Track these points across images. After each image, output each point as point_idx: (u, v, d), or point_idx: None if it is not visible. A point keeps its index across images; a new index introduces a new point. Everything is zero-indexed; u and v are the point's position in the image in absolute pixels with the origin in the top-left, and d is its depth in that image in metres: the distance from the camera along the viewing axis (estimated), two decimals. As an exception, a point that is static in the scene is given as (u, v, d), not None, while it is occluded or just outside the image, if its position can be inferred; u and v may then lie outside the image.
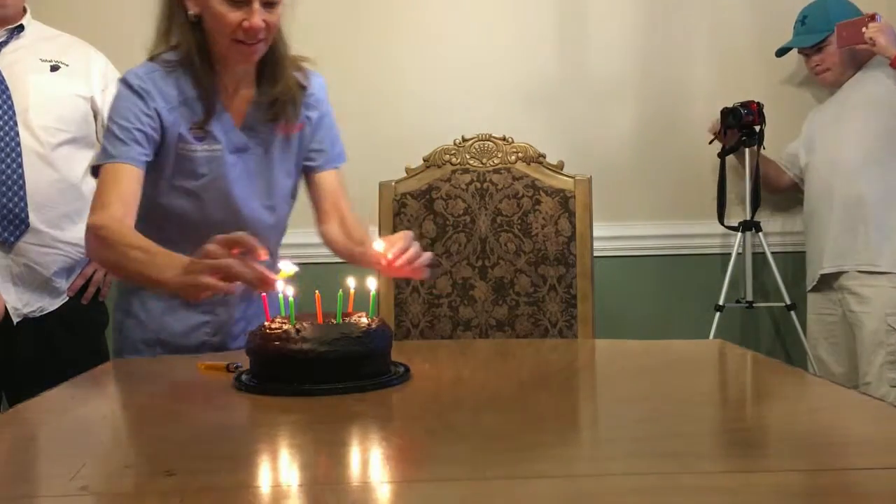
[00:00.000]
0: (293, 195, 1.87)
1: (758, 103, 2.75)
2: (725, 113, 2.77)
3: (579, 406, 1.42)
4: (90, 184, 1.89)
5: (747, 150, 2.78)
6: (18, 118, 2.10)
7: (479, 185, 2.20)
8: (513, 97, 2.93)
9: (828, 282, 2.69)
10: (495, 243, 2.18)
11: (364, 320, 1.36)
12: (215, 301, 1.74)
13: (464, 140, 2.23)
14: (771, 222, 2.93)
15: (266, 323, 1.36)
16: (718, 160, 2.85)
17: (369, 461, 1.05)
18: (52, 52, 2.21)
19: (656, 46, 2.96)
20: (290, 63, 1.75)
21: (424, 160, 2.24)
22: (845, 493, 0.92)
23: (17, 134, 2.10)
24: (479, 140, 2.22)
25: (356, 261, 1.75)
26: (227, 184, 1.72)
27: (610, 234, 2.79)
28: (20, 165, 2.09)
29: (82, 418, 1.25)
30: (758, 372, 1.61)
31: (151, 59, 1.71)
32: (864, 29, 2.53)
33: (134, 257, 1.50)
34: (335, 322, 1.34)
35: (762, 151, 2.78)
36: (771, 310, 2.97)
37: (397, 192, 2.21)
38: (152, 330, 1.77)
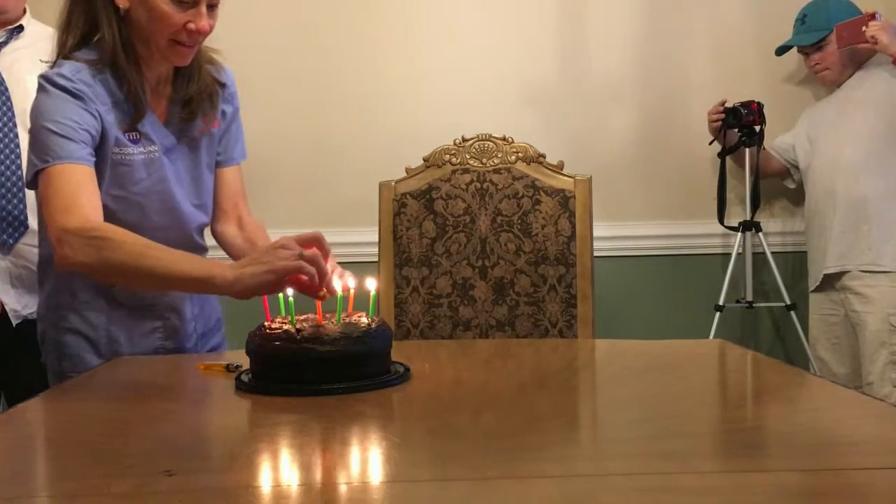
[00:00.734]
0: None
1: (758, 103, 2.75)
2: (725, 112, 2.77)
3: (579, 406, 1.42)
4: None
5: (747, 150, 2.78)
6: (18, 119, 2.10)
7: (479, 185, 2.20)
8: (513, 97, 2.93)
9: (830, 282, 2.69)
10: (495, 243, 2.18)
11: (364, 320, 1.36)
12: (164, 306, 1.70)
13: (464, 140, 2.23)
14: (771, 222, 2.93)
15: (266, 323, 1.36)
16: (718, 160, 2.85)
17: (369, 461, 1.04)
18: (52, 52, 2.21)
19: (656, 46, 2.96)
20: (204, 57, 1.68)
21: (424, 160, 2.24)
22: (846, 493, 0.91)
23: (16, 135, 2.10)
24: (479, 140, 2.22)
25: None
26: (167, 186, 1.65)
27: (610, 234, 2.79)
28: (19, 167, 2.09)
29: (82, 418, 1.25)
30: (758, 372, 1.61)
31: (66, 56, 1.59)
32: (864, 28, 2.52)
33: (154, 256, 1.41)
34: (335, 322, 1.34)
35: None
36: (771, 310, 2.97)
37: (397, 192, 2.21)
38: (101, 343, 1.67)
